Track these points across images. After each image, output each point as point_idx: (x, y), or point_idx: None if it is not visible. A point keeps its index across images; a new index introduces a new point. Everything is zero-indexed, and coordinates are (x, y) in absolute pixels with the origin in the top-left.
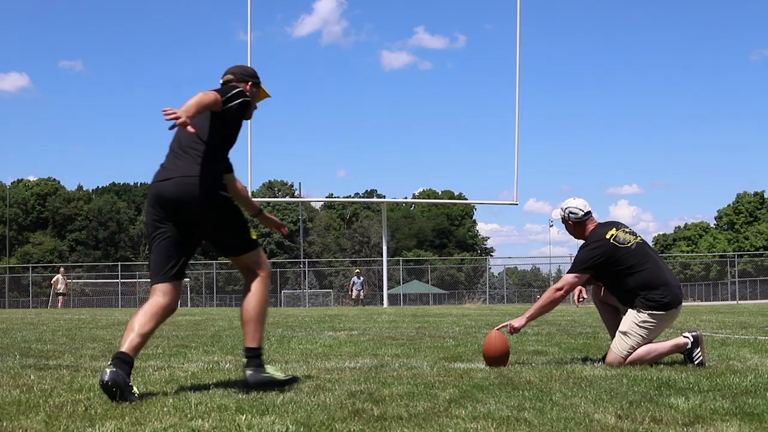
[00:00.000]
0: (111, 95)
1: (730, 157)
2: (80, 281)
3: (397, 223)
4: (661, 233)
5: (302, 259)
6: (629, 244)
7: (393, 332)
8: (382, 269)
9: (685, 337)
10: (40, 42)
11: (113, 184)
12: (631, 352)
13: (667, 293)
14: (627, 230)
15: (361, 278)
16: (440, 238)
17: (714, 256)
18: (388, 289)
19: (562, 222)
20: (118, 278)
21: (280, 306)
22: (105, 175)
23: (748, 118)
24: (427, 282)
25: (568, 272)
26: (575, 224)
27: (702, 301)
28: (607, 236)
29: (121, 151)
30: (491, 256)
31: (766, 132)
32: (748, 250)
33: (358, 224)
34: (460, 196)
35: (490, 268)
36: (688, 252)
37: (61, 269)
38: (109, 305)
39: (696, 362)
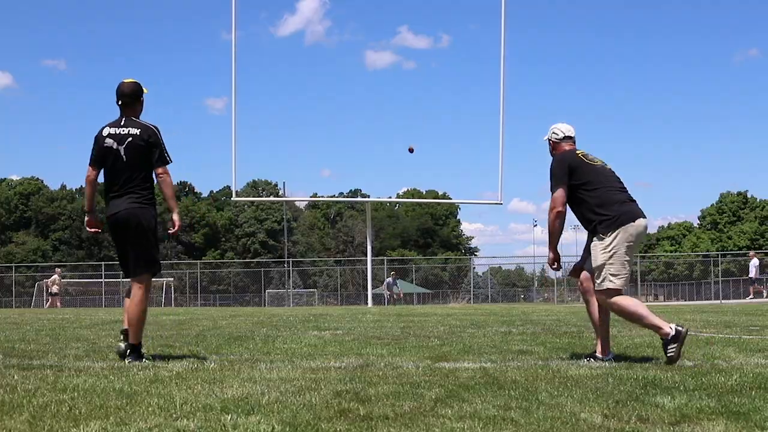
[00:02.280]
0: (94, 94)
1: (713, 157)
2: (64, 281)
3: (381, 223)
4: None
5: (286, 259)
6: (595, 163)
7: (378, 332)
8: (366, 269)
9: (671, 327)
10: (23, 41)
11: (97, 183)
12: (613, 281)
13: (622, 208)
14: (598, 158)
15: (394, 279)
16: (424, 238)
17: (698, 255)
18: (372, 288)
19: (548, 142)
20: (101, 278)
21: (264, 305)
22: None
23: (730, 119)
24: (412, 282)
25: (552, 191)
26: (554, 143)
27: (686, 300)
28: (577, 152)
29: None
30: (475, 255)
31: (749, 132)
32: (731, 250)
33: (342, 224)
34: (445, 196)
35: (474, 267)
36: (671, 251)
37: (58, 270)
38: (93, 304)
39: (667, 356)
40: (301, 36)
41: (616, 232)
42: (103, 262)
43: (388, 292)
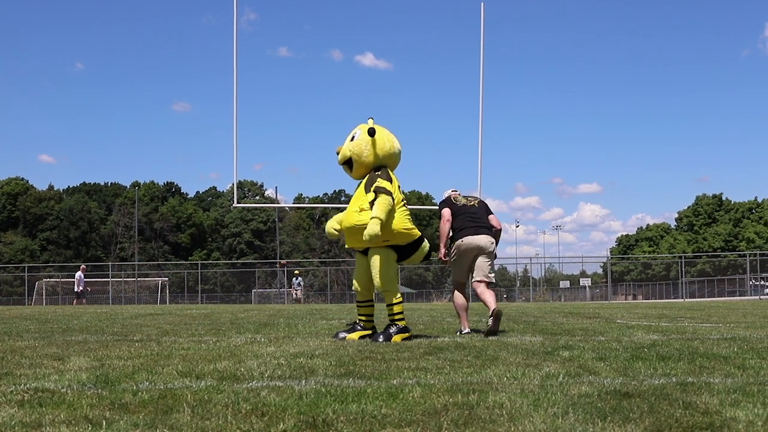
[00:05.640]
0: (82, 95)
1: (689, 161)
2: (52, 280)
3: None
4: (624, 234)
5: (279, 260)
6: (459, 203)
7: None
8: (352, 269)
9: (493, 309)
10: (7, 39)
11: (84, 183)
12: (452, 277)
13: (462, 234)
14: (468, 198)
15: (300, 278)
16: None
17: (674, 256)
18: None
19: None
20: (89, 277)
21: (253, 305)
22: (75, 175)
23: (707, 123)
24: (454, 282)
25: (440, 209)
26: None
27: (662, 299)
28: (451, 197)
29: (92, 152)
30: None
31: (725, 136)
32: (706, 251)
33: None
34: (427, 196)
35: None
36: (650, 252)
37: (83, 266)
38: (81, 303)
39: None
40: (283, 38)
41: (455, 247)
42: (90, 263)
43: (297, 290)
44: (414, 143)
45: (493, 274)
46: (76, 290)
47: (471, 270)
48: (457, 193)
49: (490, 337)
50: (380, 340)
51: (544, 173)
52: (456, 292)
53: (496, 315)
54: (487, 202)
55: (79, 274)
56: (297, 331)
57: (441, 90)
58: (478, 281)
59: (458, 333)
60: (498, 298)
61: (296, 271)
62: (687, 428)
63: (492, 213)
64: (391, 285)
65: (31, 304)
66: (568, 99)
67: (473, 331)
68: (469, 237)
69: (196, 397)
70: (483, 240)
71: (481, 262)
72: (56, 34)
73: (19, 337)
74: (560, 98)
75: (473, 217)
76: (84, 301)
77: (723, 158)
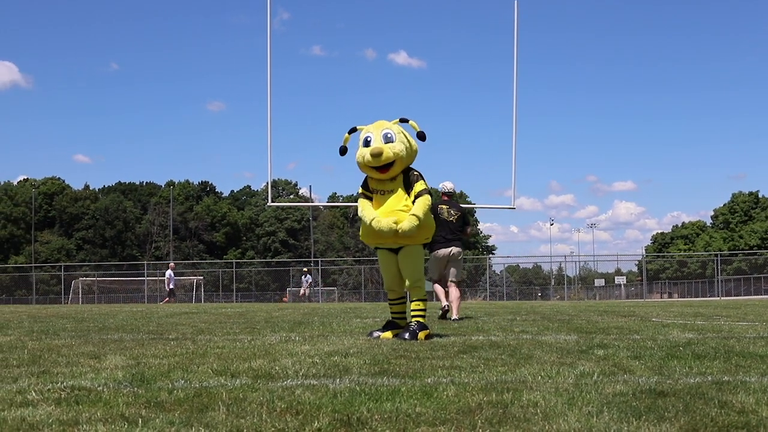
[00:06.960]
0: (116, 95)
1: (725, 157)
2: (88, 279)
3: None
4: (659, 232)
5: (313, 259)
6: (441, 215)
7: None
8: None
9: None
10: (44, 40)
11: (119, 183)
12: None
13: (435, 246)
14: (451, 211)
15: (308, 276)
16: None
17: (709, 254)
18: None
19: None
20: (125, 276)
21: (287, 302)
22: (111, 174)
23: (744, 119)
24: (430, 280)
25: None
26: (441, 194)
27: (699, 297)
28: (439, 206)
29: (127, 152)
30: (492, 254)
31: (761, 133)
32: (742, 249)
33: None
34: (461, 195)
35: (491, 266)
36: (685, 250)
37: (171, 264)
38: (117, 302)
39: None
40: (316, 37)
41: (432, 255)
42: (125, 262)
43: (304, 288)
44: (448, 141)
45: (462, 275)
46: (168, 288)
47: (444, 271)
48: (446, 203)
49: (454, 320)
50: (406, 337)
51: (579, 171)
52: (435, 284)
53: (444, 309)
54: (523, 200)
55: (169, 272)
56: (331, 329)
57: (474, 88)
58: (450, 281)
59: (441, 309)
60: (533, 297)
61: (305, 269)
62: (722, 427)
63: (468, 224)
64: (423, 281)
65: (67, 303)
66: (602, 97)
67: (463, 318)
68: (442, 249)
69: (231, 396)
70: (452, 251)
71: (452, 267)
72: (91, 35)
73: (55, 336)
74: (595, 96)
75: (448, 231)
76: (173, 299)
77: (759, 155)
